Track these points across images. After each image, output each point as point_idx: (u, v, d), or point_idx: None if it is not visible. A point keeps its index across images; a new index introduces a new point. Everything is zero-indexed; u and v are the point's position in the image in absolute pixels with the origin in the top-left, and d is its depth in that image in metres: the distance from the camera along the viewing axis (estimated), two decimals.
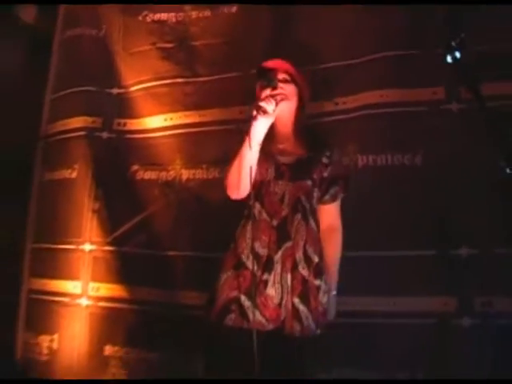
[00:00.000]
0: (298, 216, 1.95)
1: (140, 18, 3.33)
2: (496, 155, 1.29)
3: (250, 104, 1.95)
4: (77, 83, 3.41)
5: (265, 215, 1.96)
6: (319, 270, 1.96)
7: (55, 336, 3.13)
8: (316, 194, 2.04)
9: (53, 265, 3.22)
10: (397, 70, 2.58)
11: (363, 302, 2.44)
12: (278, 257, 1.90)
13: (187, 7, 3.23)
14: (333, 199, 2.07)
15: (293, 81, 2.08)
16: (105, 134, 3.26)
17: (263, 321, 1.85)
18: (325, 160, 2.06)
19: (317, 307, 1.92)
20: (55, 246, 3.23)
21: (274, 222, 1.94)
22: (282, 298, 1.87)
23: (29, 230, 3.41)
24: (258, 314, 1.85)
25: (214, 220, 2.64)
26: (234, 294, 1.90)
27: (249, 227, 1.96)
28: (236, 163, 1.92)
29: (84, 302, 3.08)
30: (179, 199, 2.96)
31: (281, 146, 2.07)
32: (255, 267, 1.89)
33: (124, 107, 3.25)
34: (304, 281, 1.90)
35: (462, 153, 2.37)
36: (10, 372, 3.18)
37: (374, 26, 2.65)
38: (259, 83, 2.07)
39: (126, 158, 3.16)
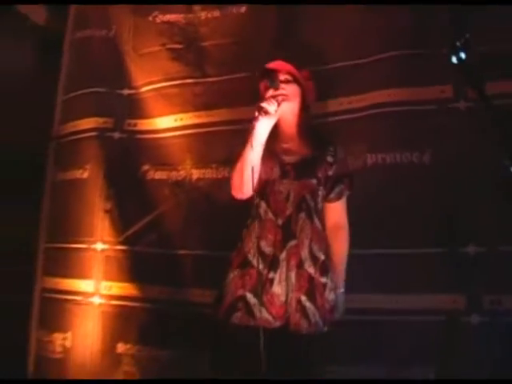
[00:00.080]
0: (303, 215, 1.97)
1: (150, 18, 3.34)
2: (501, 154, 1.30)
3: None
4: (88, 84, 3.44)
5: (270, 214, 1.98)
6: (325, 268, 1.98)
7: (68, 334, 3.16)
8: (321, 192, 2.05)
9: (65, 264, 3.26)
10: (404, 69, 2.58)
11: (371, 299, 2.45)
12: (283, 255, 1.92)
13: (196, 8, 3.24)
14: (338, 197, 2.09)
15: (295, 81, 2.09)
16: (116, 135, 3.28)
17: (270, 318, 1.87)
18: (329, 159, 2.07)
19: (323, 304, 1.94)
20: (68, 246, 3.26)
21: (279, 221, 1.96)
22: (287, 296, 1.89)
23: (42, 229, 3.45)
24: (264, 311, 1.87)
25: (223, 219, 2.64)
26: (241, 292, 1.92)
27: (255, 226, 1.98)
28: (239, 164, 1.94)
29: (96, 300, 3.11)
30: (189, 199, 2.98)
31: (285, 146, 2.08)
32: (261, 266, 1.91)
33: (134, 108, 3.27)
34: (310, 278, 1.92)
35: (470, 151, 2.37)
36: (22, 370, 3.24)
37: (380, 26, 2.65)
38: (263, 84, 2.11)
39: (136, 158, 3.19)
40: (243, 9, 3.13)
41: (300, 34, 2.89)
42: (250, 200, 2.00)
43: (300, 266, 1.92)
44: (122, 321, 3.03)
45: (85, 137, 3.37)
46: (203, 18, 3.22)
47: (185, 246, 2.93)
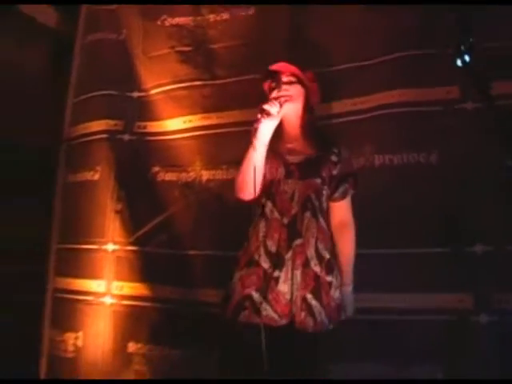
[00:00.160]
0: (308, 214, 1.99)
1: (159, 22, 3.37)
2: (505, 154, 1.32)
3: None
4: (98, 87, 3.47)
5: (276, 214, 2.00)
6: (331, 266, 2.00)
7: (80, 334, 3.19)
8: (326, 191, 2.07)
9: (77, 264, 3.29)
10: (411, 70, 2.59)
11: (380, 298, 2.45)
12: (289, 254, 1.93)
13: (205, 11, 3.26)
14: (343, 196, 2.10)
15: (299, 82, 2.12)
16: (126, 137, 3.31)
17: (275, 316, 1.89)
18: (334, 158, 2.09)
19: (329, 303, 1.96)
20: (79, 246, 3.29)
21: (285, 220, 1.98)
22: (292, 294, 1.91)
23: (53, 230, 3.48)
24: (269, 309, 1.89)
25: (233, 219, 2.61)
26: (248, 291, 1.94)
27: (261, 226, 2.01)
28: (243, 166, 1.97)
29: (108, 300, 3.14)
30: (199, 200, 3.00)
31: (289, 146, 2.11)
32: (267, 265, 1.94)
33: (144, 110, 3.30)
34: (316, 277, 1.94)
35: (477, 151, 2.37)
36: (35, 369, 3.28)
37: (386, 27, 2.66)
38: (267, 85, 2.14)
39: (146, 160, 3.21)
40: (251, 11, 3.15)
41: (307, 35, 2.90)
42: (257, 200, 2.03)
43: (306, 264, 1.94)
44: (133, 320, 3.06)
45: (95, 139, 3.40)
46: (211, 20, 3.24)
47: (195, 247, 2.95)
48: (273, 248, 1.96)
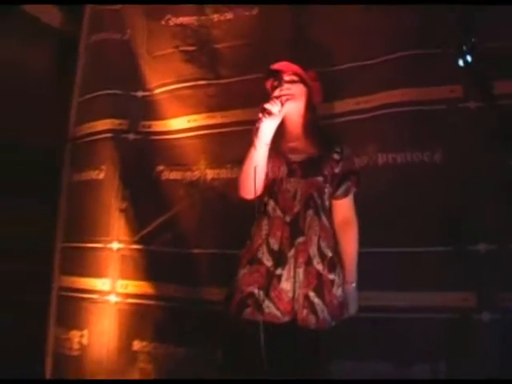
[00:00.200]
0: (310, 212, 2.00)
1: (163, 22, 3.38)
2: (508, 154, 1.33)
3: None
4: (103, 86, 3.49)
5: (279, 212, 2.01)
6: (333, 264, 2.01)
7: (85, 332, 3.20)
8: (328, 190, 2.08)
9: (82, 263, 3.30)
10: (414, 70, 2.59)
11: (383, 297, 2.46)
12: (291, 252, 1.95)
13: (209, 10, 3.27)
14: (345, 194, 2.10)
15: (302, 82, 2.13)
16: (131, 136, 3.32)
17: (278, 314, 1.90)
18: (336, 156, 2.10)
19: (332, 300, 1.97)
20: (84, 245, 3.31)
21: (287, 219, 1.99)
22: (294, 292, 1.92)
23: (58, 229, 3.50)
24: (272, 307, 1.91)
25: (238, 218, 2.64)
26: (250, 288, 1.95)
27: (264, 224, 2.02)
28: (245, 165, 1.98)
29: (113, 298, 3.16)
30: (204, 198, 3.01)
31: (292, 145, 2.12)
32: (270, 263, 1.95)
33: (149, 109, 3.31)
34: (319, 275, 1.95)
35: (481, 150, 2.38)
36: (41, 367, 3.30)
37: (388, 26, 2.67)
38: (269, 84, 2.15)
39: (151, 159, 3.22)
40: (255, 11, 3.15)
41: (311, 35, 2.91)
42: (260, 199, 2.04)
43: (308, 262, 1.95)
44: (138, 319, 3.07)
45: (100, 138, 3.42)
46: (215, 20, 3.25)
47: (199, 245, 2.96)
48: (275, 246, 1.97)
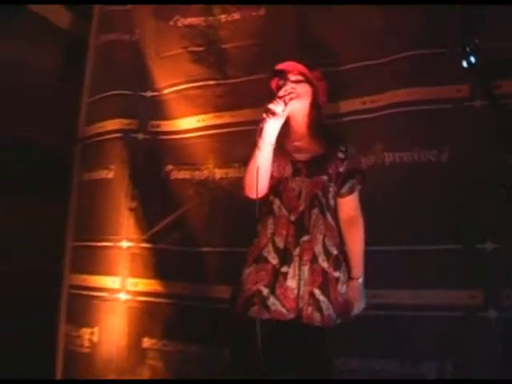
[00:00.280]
0: (315, 211, 2.01)
1: (171, 22, 3.39)
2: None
3: None
4: (112, 87, 3.51)
5: (284, 211, 2.02)
6: (338, 262, 2.03)
7: (95, 329, 3.23)
8: (332, 188, 2.09)
9: (92, 261, 3.33)
10: (421, 69, 2.59)
11: (389, 295, 2.47)
12: (296, 250, 1.96)
13: (216, 11, 3.28)
14: (350, 192, 2.12)
15: (307, 81, 2.13)
16: (140, 136, 3.34)
17: (283, 311, 1.92)
18: (340, 155, 2.11)
19: (337, 298, 1.99)
20: (94, 244, 3.34)
21: (292, 217, 2.00)
22: (299, 290, 1.93)
23: (69, 228, 3.52)
24: (278, 304, 1.92)
25: (246, 217, 2.66)
26: (257, 286, 1.96)
27: (269, 223, 2.03)
28: (250, 165, 2.00)
29: (123, 296, 3.18)
30: (212, 197, 3.03)
31: (297, 144, 2.13)
32: (276, 261, 1.97)
33: (158, 109, 3.33)
34: (324, 273, 1.97)
35: (487, 149, 2.37)
36: (52, 364, 3.34)
37: (395, 26, 2.67)
38: (274, 83, 2.18)
39: (160, 159, 3.24)
40: (262, 11, 3.16)
41: (317, 35, 2.92)
42: (265, 198, 2.06)
43: (314, 260, 1.96)
44: (148, 316, 3.09)
45: (110, 138, 3.44)
46: (223, 20, 3.26)
47: (208, 244, 2.98)
48: (281, 244, 1.98)
